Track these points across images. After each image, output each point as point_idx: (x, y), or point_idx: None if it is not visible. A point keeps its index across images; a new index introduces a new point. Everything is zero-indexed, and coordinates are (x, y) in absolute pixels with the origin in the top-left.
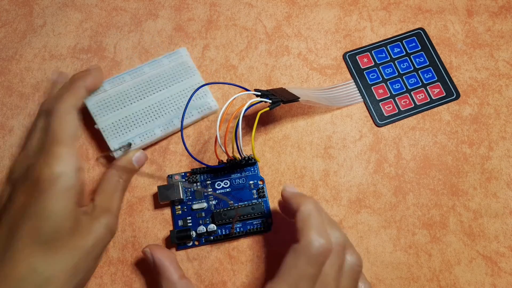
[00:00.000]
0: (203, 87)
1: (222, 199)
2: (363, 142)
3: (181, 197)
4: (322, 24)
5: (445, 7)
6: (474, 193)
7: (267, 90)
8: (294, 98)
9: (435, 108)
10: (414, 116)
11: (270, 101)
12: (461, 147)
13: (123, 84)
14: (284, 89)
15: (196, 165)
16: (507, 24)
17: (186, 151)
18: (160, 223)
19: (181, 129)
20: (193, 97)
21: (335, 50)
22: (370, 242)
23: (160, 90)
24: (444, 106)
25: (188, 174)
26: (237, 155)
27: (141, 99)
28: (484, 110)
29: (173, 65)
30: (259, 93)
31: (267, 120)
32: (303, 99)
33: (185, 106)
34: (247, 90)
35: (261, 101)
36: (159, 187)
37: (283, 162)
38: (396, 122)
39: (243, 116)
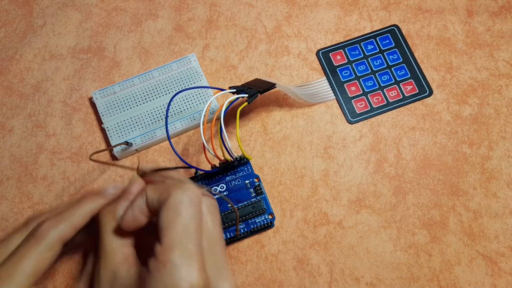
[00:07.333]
0: (207, 93)
1: (224, 199)
2: (363, 142)
3: None
4: (322, 24)
5: (445, 7)
6: (474, 193)
7: (242, 85)
8: (270, 86)
9: (435, 108)
10: (414, 116)
11: (247, 95)
12: (461, 147)
13: (132, 87)
14: (259, 79)
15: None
16: (507, 24)
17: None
18: None
19: (168, 137)
20: (196, 102)
21: None
22: (370, 242)
23: (166, 94)
24: (444, 105)
25: None
26: (229, 157)
27: (147, 101)
28: (484, 110)
29: (181, 70)
30: (234, 90)
31: (266, 120)
32: (279, 85)
33: (166, 113)
34: (222, 90)
35: (238, 98)
36: None
37: (283, 162)
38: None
39: (225, 117)
